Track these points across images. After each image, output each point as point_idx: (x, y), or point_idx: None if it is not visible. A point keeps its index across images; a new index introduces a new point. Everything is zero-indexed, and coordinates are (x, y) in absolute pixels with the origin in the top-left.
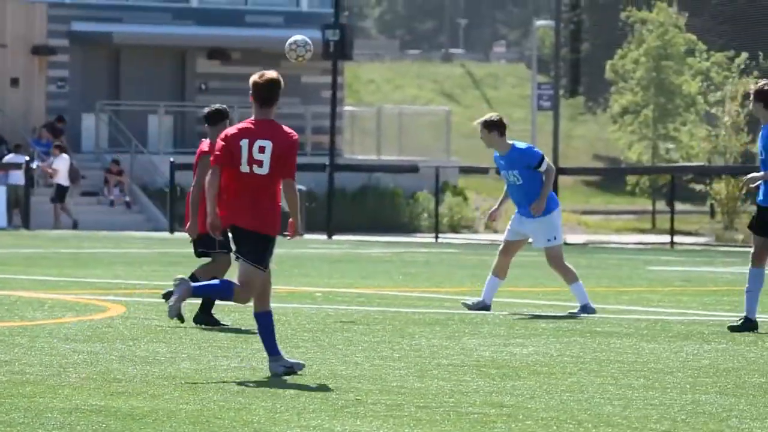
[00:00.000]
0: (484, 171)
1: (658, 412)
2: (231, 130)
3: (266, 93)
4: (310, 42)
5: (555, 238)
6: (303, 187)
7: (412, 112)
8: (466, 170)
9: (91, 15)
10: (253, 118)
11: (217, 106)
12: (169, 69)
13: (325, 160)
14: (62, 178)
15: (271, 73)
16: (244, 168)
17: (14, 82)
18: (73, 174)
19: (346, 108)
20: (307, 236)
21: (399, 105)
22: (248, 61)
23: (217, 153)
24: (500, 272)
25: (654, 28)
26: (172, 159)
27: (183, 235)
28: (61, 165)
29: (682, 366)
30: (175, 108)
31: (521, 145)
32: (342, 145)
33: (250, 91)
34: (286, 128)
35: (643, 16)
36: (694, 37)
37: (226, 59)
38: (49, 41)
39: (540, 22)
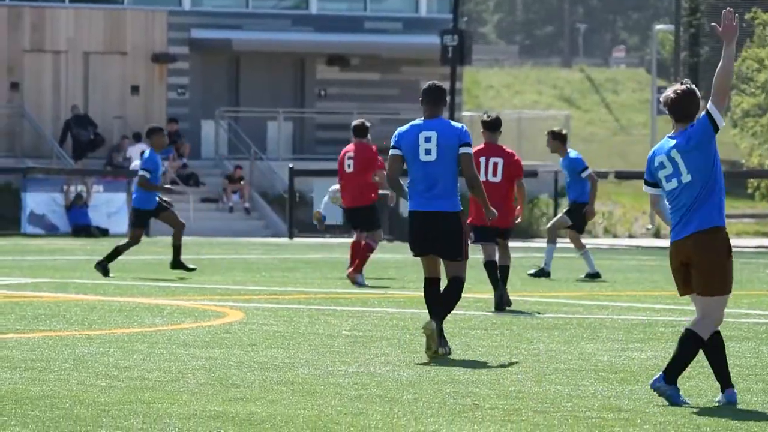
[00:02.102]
0: (603, 176)
1: None
2: None
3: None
4: None
5: None
6: None
7: (531, 117)
8: None
9: (211, 22)
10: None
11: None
12: (288, 75)
13: None
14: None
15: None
16: None
17: (134, 89)
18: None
19: (465, 113)
20: None
21: (518, 110)
22: (367, 67)
23: None
24: None
25: None
26: (291, 165)
27: (302, 241)
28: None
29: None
30: (294, 114)
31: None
32: None
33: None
34: None
35: (766, 18)
36: None
37: (345, 65)
38: (169, 49)
39: (659, 27)
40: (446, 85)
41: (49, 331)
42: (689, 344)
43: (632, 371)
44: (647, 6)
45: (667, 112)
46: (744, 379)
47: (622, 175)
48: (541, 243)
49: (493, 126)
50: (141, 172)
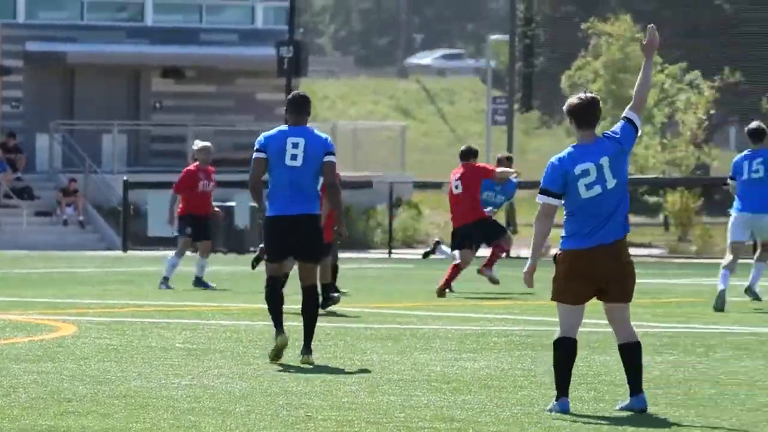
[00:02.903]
0: (438, 186)
1: (608, 424)
2: None
3: None
4: None
5: None
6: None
7: (367, 128)
8: (420, 185)
9: (45, 35)
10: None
11: None
12: (124, 88)
13: None
14: None
15: None
16: None
17: None
18: None
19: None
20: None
21: (354, 121)
22: (203, 79)
23: None
24: None
25: (614, 41)
26: (125, 178)
27: (136, 254)
28: None
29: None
30: (129, 127)
31: None
32: None
33: None
34: None
35: (604, 28)
36: None
37: (180, 77)
38: (4, 62)
39: (495, 37)
40: (282, 96)
41: None
42: (638, 353)
43: (465, 381)
44: (483, 16)
45: (570, 118)
46: (575, 388)
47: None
48: (376, 253)
49: None
50: None
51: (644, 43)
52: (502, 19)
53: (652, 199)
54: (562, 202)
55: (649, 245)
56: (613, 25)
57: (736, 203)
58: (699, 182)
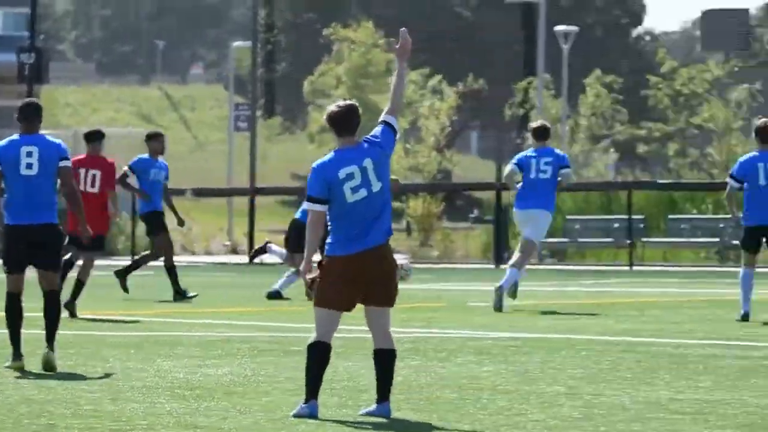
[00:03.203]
0: (181, 192)
1: (352, 429)
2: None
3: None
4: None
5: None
6: None
7: (108, 135)
8: None
9: None
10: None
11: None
12: None
13: None
14: None
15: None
16: None
17: None
18: None
19: (42, 132)
20: None
21: (96, 128)
22: None
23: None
24: None
25: (356, 47)
26: None
27: None
28: None
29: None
30: None
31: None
32: None
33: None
34: None
35: (346, 34)
36: (392, 56)
37: None
38: None
39: (237, 43)
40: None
41: None
42: (392, 361)
43: (208, 388)
44: (225, 22)
45: (330, 125)
46: (320, 393)
47: (199, 192)
48: (119, 261)
49: (92, 137)
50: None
51: (397, 47)
52: (244, 26)
53: (395, 205)
54: (327, 207)
55: None
56: (356, 31)
57: (517, 201)
58: (441, 188)
